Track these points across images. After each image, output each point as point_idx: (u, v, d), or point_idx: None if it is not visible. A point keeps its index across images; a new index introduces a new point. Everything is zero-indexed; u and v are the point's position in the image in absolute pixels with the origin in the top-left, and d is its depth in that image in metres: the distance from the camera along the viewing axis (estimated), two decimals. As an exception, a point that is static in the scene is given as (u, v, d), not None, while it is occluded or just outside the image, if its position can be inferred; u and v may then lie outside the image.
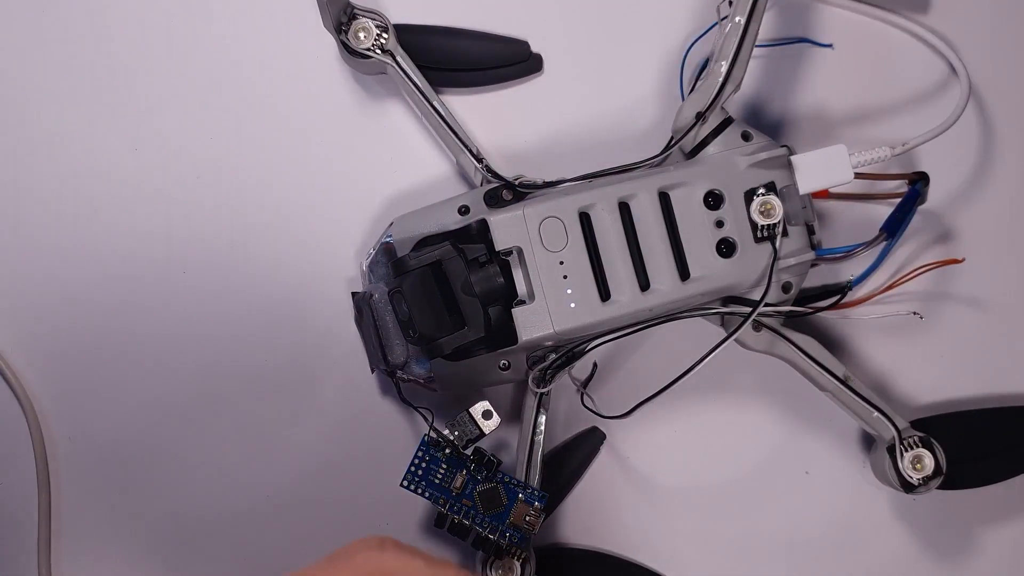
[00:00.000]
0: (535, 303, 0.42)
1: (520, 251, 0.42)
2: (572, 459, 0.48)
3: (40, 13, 0.48)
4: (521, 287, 0.42)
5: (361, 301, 0.45)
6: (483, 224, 0.42)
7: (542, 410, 0.45)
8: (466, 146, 0.45)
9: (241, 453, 0.47)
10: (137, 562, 0.47)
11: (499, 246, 0.42)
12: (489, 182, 0.44)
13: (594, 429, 0.48)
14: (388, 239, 0.44)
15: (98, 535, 0.47)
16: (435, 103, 0.45)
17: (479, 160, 0.45)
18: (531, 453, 0.45)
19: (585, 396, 0.45)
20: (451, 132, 0.45)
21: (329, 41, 0.47)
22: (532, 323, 0.42)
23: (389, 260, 0.44)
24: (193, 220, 0.47)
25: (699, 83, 0.45)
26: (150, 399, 0.47)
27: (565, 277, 0.42)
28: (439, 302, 0.42)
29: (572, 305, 0.42)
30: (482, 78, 0.47)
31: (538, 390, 0.44)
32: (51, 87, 0.48)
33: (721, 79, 0.44)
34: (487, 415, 0.45)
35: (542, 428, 0.45)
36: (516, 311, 0.42)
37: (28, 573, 0.46)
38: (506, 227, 0.42)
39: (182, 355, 0.47)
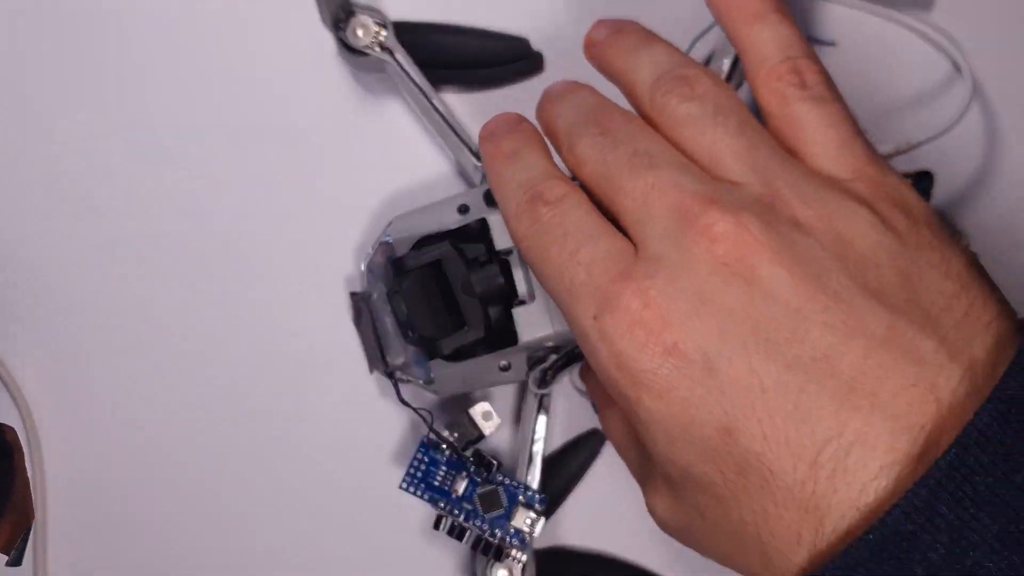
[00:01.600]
0: (535, 303, 0.41)
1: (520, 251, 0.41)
2: (572, 461, 0.47)
3: (37, 14, 0.47)
4: (521, 287, 0.42)
5: (360, 301, 0.45)
6: (482, 223, 0.42)
7: (542, 411, 0.45)
8: (466, 144, 0.45)
9: (240, 452, 0.46)
10: (135, 563, 0.46)
11: (499, 245, 0.41)
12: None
13: (595, 431, 0.47)
14: (387, 239, 0.44)
15: (96, 537, 0.46)
16: (434, 101, 0.45)
17: (479, 158, 0.44)
18: (531, 455, 0.45)
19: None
20: (450, 130, 0.45)
21: (327, 39, 0.46)
22: (532, 323, 0.41)
23: (388, 260, 0.43)
24: (191, 220, 0.47)
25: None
26: (148, 399, 0.47)
27: None
28: (439, 302, 0.42)
29: (573, 306, 0.41)
30: (482, 76, 0.47)
31: (539, 391, 0.44)
32: (48, 88, 0.47)
33: (723, 78, 0.43)
34: (487, 416, 0.44)
35: (543, 429, 0.45)
36: (516, 311, 0.41)
37: (25, 574, 0.46)
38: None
39: (181, 355, 0.47)
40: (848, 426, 0.30)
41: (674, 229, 0.33)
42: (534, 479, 0.45)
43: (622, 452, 0.40)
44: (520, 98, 0.47)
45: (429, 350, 0.42)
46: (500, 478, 0.44)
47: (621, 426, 0.40)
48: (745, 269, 0.32)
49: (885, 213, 0.33)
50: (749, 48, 0.37)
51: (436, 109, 0.45)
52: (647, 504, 0.37)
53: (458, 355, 0.42)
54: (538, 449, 0.45)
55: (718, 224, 0.32)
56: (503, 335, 0.42)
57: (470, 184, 0.46)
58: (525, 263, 0.41)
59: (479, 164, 0.44)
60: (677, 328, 0.32)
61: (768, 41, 0.37)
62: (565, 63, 0.48)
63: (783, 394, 0.30)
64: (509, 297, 0.42)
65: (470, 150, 0.45)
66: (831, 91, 0.36)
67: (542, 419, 0.45)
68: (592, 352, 0.34)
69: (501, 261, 0.42)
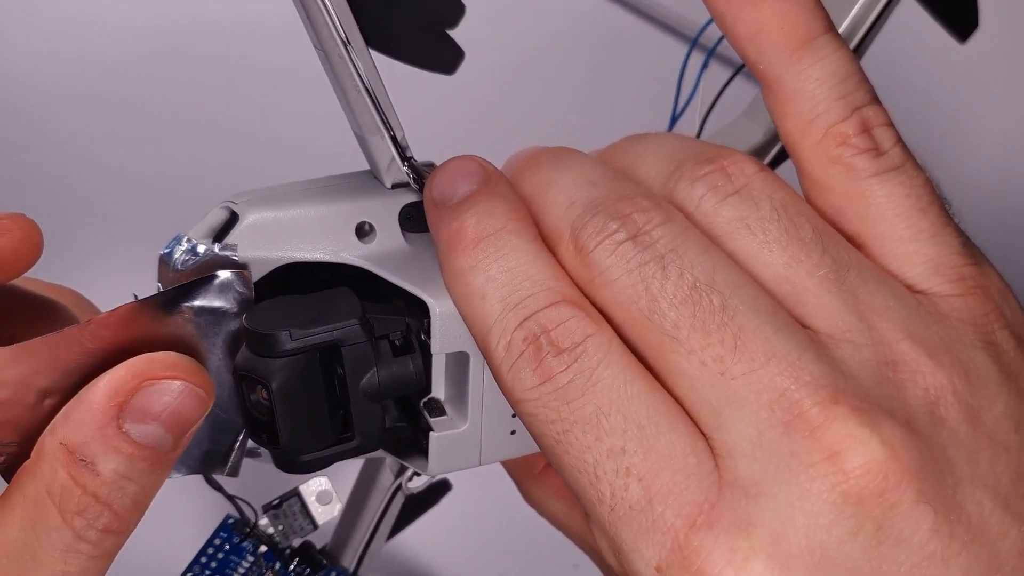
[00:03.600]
0: (467, 429, 0.27)
1: (464, 358, 0.27)
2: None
3: None
4: (440, 388, 0.28)
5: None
6: (414, 303, 0.26)
7: (401, 493, 0.33)
8: (388, 125, 0.28)
9: None
10: None
11: (443, 348, 0.27)
12: (410, 189, 0.28)
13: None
14: (230, 254, 0.27)
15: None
16: (352, 48, 0.27)
17: (403, 153, 0.28)
18: (371, 540, 0.33)
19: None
20: (369, 99, 0.27)
21: None
22: (453, 454, 0.28)
23: (239, 313, 0.27)
24: None
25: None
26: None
27: None
28: (322, 401, 0.27)
29: (512, 432, 0.28)
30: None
31: (409, 488, 0.32)
32: None
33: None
34: (324, 498, 0.32)
35: (396, 512, 0.33)
36: (436, 436, 0.27)
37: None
38: (457, 323, 0.26)
39: None
40: None
41: (777, 441, 0.23)
42: (369, 572, 0.33)
43: (569, 533, 0.33)
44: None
45: (288, 464, 0.28)
46: (327, 572, 0.32)
47: (565, 508, 0.33)
48: (879, 510, 0.23)
49: (1002, 345, 0.25)
50: (792, 92, 0.26)
51: (353, 62, 0.27)
52: None
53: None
54: (383, 535, 0.33)
55: (855, 450, 0.22)
56: (397, 441, 0.29)
57: (376, 176, 0.29)
58: (467, 372, 0.27)
59: (401, 163, 0.28)
60: None
61: (821, 81, 0.26)
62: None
63: None
64: (419, 393, 0.28)
65: (392, 136, 0.28)
66: (905, 149, 0.26)
67: (398, 500, 0.33)
68: None
69: (420, 342, 0.27)
